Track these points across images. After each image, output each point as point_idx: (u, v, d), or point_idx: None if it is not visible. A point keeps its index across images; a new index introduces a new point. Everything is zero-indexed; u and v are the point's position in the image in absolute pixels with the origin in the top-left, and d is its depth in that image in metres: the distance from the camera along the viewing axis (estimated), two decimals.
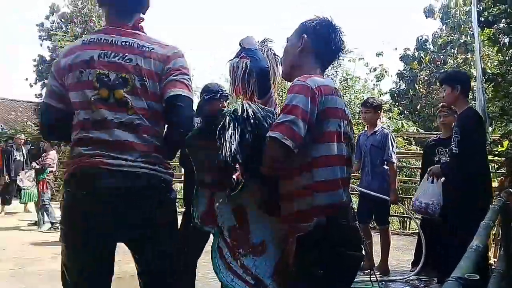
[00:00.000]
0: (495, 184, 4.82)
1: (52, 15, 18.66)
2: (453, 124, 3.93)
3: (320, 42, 1.89)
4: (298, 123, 1.63)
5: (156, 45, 1.91)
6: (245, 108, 1.90)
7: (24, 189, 8.49)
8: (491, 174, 5.13)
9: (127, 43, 1.88)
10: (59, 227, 4.76)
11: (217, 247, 1.89)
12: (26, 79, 18.97)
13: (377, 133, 4.83)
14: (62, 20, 18.00)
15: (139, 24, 2.02)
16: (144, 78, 1.85)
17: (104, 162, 1.80)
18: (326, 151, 1.72)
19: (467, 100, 3.76)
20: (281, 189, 1.83)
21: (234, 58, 2.63)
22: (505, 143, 4.48)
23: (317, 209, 1.70)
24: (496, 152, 4.60)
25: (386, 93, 17.73)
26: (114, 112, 1.83)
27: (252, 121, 1.84)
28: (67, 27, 17.78)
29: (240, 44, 2.57)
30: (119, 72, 1.84)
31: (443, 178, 3.81)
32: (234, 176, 2.58)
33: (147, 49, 1.89)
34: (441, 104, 4.75)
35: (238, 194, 2.01)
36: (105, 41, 1.89)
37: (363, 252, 1.85)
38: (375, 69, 17.31)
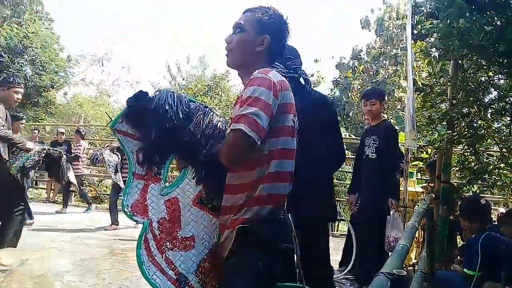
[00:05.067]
0: (420, 189, 5.09)
1: None
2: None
3: (279, 43, 1.89)
4: (261, 116, 1.61)
5: None
6: (169, 95, 1.91)
7: None
8: (416, 180, 5.41)
9: None
10: None
11: (144, 238, 1.83)
12: None
13: None
14: None
15: None
16: None
17: None
18: (282, 145, 1.73)
19: None
20: (230, 181, 1.78)
21: None
22: (429, 149, 4.76)
23: (264, 201, 1.70)
24: (421, 158, 4.94)
25: None
26: None
27: (176, 110, 1.88)
28: None
29: None
30: None
31: None
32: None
33: None
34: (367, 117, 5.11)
35: (173, 187, 1.97)
36: None
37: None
38: (312, 75, 17.75)
